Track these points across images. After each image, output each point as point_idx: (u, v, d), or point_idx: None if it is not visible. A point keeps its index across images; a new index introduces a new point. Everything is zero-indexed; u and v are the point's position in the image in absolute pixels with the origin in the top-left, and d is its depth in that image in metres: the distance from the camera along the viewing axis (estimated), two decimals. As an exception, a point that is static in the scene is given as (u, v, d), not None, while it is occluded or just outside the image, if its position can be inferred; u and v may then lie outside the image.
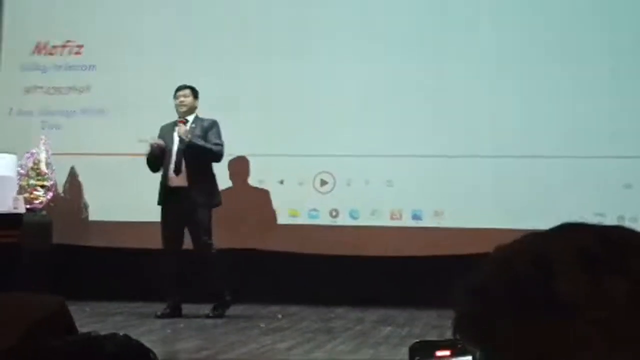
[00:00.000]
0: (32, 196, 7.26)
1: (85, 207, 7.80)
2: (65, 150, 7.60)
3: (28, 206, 7.17)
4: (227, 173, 7.33)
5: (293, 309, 6.77)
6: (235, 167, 7.47)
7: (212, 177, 6.57)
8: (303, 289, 7.03)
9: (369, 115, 7.44)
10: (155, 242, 6.92)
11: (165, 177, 6.50)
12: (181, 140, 6.47)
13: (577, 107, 7.20)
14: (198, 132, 6.53)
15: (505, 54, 7.36)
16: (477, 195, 7.19)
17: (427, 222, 7.37)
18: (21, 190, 7.24)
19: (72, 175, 7.81)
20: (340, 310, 6.75)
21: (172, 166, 6.47)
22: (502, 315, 0.69)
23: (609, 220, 0.83)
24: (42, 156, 7.36)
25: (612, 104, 7.16)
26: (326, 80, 7.51)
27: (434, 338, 0.97)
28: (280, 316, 6.48)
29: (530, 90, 7.29)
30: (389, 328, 5.93)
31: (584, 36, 7.29)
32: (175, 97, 6.66)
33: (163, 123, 7.47)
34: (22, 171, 7.30)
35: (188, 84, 6.73)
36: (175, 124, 6.60)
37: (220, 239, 6.59)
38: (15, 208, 7.01)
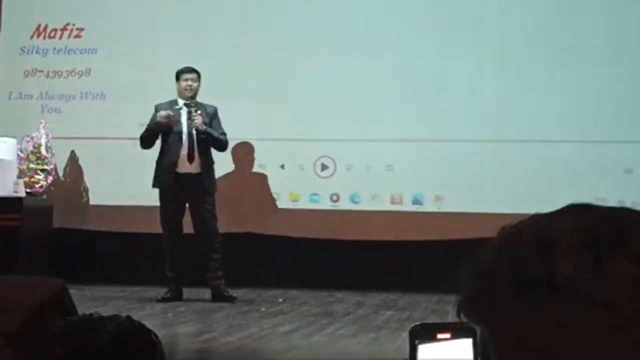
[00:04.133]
0: (32, 180, 7.26)
1: (86, 191, 7.80)
2: (65, 134, 7.59)
3: (28, 190, 7.17)
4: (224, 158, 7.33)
5: (294, 292, 6.79)
6: (237, 151, 7.47)
7: (213, 164, 6.59)
8: (304, 272, 7.04)
9: (369, 99, 7.43)
10: (156, 226, 6.93)
11: (172, 162, 6.41)
12: (190, 126, 6.41)
13: (578, 92, 7.18)
14: (205, 118, 6.47)
15: (507, 39, 7.34)
16: (478, 180, 7.19)
17: (428, 206, 7.37)
18: (21, 174, 7.23)
19: (72, 160, 7.81)
20: (340, 294, 6.77)
21: (183, 152, 6.41)
22: (505, 298, 0.69)
23: (610, 205, 0.83)
24: (42, 140, 7.35)
25: (613, 89, 7.15)
26: (327, 65, 7.48)
27: (434, 322, 0.98)
28: (281, 300, 6.49)
29: (532, 75, 7.27)
30: (389, 312, 5.95)
31: (586, 22, 7.27)
32: (182, 79, 6.54)
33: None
34: (22, 155, 7.29)
35: (193, 66, 6.61)
36: (176, 104, 6.50)
37: (221, 223, 6.60)
38: (15, 192, 7.01)
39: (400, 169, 7.40)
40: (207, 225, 6.42)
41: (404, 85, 7.38)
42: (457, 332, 0.94)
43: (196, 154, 6.41)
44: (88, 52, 7.88)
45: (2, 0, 8.08)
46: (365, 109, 7.41)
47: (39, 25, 8.00)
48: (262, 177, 7.59)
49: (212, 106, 6.57)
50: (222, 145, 6.58)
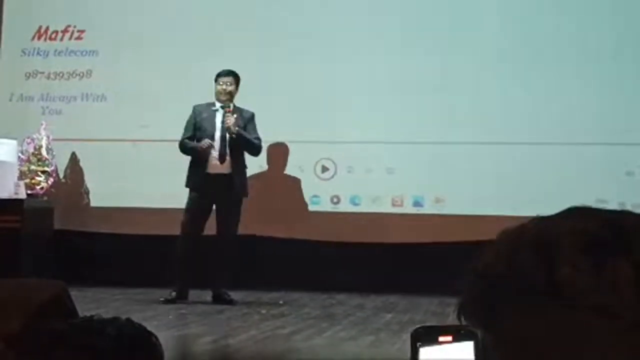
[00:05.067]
0: (33, 182, 7.26)
1: (86, 192, 7.81)
2: (66, 135, 7.59)
3: (29, 192, 7.17)
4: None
5: (294, 295, 6.78)
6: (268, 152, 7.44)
7: (246, 167, 6.58)
8: (304, 275, 7.04)
9: (370, 102, 7.42)
10: (157, 228, 6.93)
11: (204, 163, 6.42)
12: (224, 128, 6.42)
13: (580, 94, 7.18)
14: (240, 122, 6.49)
15: (508, 41, 7.34)
16: (478, 182, 7.19)
17: (428, 208, 7.37)
18: (22, 175, 7.23)
19: (73, 161, 7.81)
20: (341, 297, 6.77)
21: (215, 153, 6.42)
22: (505, 301, 0.69)
23: (611, 208, 0.83)
24: (43, 142, 7.35)
25: (614, 92, 7.14)
26: (327, 68, 7.48)
27: (435, 324, 0.98)
28: (281, 302, 6.49)
29: (533, 78, 7.27)
30: (389, 315, 5.94)
31: (588, 24, 7.27)
32: (219, 82, 6.57)
33: (164, 109, 7.47)
34: (23, 157, 7.30)
35: (231, 68, 6.63)
36: (213, 106, 6.53)
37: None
38: (16, 194, 7.01)
39: (400, 171, 7.40)
40: (230, 228, 6.42)
41: (404, 87, 7.38)
42: (459, 334, 0.93)
43: (228, 155, 6.41)
44: (89, 54, 7.88)
45: (3, 2, 8.09)
46: (365, 111, 7.40)
47: (40, 27, 8.00)
48: (264, 179, 7.58)
49: (249, 111, 6.60)
50: (254, 148, 6.57)
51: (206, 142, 6.41)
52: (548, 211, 0.74)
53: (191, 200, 6.49)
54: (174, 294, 6.32)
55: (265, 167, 7.49)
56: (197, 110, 6.58)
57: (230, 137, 6.41)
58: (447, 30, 7.42)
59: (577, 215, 0.71)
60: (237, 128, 6.41)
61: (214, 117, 6.51)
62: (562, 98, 7.20)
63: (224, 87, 6.54)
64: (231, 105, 6.53)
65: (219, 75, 6.60)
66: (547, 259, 0.67)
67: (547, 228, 0.70)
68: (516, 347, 0.69)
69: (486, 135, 7.25)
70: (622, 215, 0.71)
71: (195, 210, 6.44)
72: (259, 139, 6.58)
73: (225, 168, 6.42)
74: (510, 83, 7.30)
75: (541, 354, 0.67)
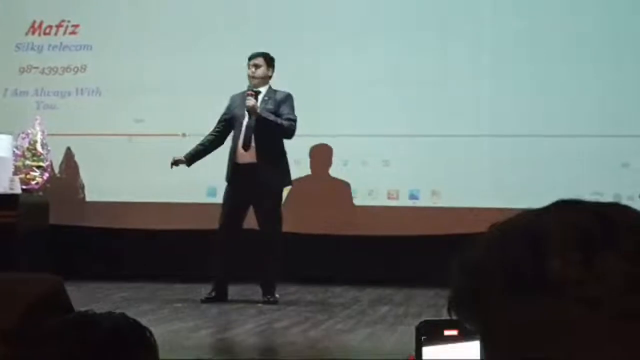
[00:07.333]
0: (28, 177, 7.25)
1: (82, 187, 7.80)
2: (61, 130, 7.58)
3: (24, 187, 7.16)
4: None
5: (290, 288, 6.78)
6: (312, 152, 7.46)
7: (283, 154, 6.14)
8: (300, 268, 7.04)
9: (365, 95, 7.42)
10: (152, 222, 6.93)
11: (233, 153, 6.08)
12: (250, 113, 6.04)
13: (574, 86, 7.19)
14: (271, 105, 6.07)
15: (503, 34, 7.34)
16: (474, 175, 7.20)
17: (424, 201, 7.38)
18: (17, 171, 7.22)
19: (68, 156, 7.80)
20: (337, 290, 6.77)
21: (241, 141, 6.05)
22: (495, 294, 0.69)
23: (606, 199, 0.84)
24: (38, 137, 7.34)
25: (609, 83, 7.15)
26: (323, 62, 7.47)
27: (430, 317, 0.97)
28: (277, 295, 6.49)
29: (528, 70, 7.27)
30: (386, 307, 5.95)
31: (582, 16, 7.27)
32: (248, 66, 6.21)
33: (159, 103, 7.46)
34: (17, 152, 7.28)
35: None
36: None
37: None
38: (11, 189, 7.00)
39: (396, 165, 7.40)
40: (264, 225, 6.04)
41: (400, 80, 7.37)
42: (465, 328, 0.93)
43: (252, 142, 6.01)
44: (83, 49, 7.86)
45: (-4, -3, 8.06)
46: (361, 104, 7.40)
47: (34, 22, 7.97)
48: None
49: (283, 92, 6.19)
50: (283, 130, 6.05)
51: (175, 157, 6.15)
52: (544, 204, 0.74)
53: (225, 194, 6.14)
54: (213, 293, 6.04)
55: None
56: (231, 100, 6.24)
57: (256, 122, 6.00)
58: (444, 23, 7.41)
59: (565, 208, 0.71)
60: (257, 110, 5.97)
61: (243, 103, 6.10)
62: (558, 90, 7.21)
63: (252, 69, 6.16)
64: (265, 88, 6.15)
65: (248, 59, 6.22)
66: (537, 251, 0.67)
67: (536, 221, 0.70)
68: (505, 339, 0.69)
69: (482, 128, 7.26)
70: (610, 208, 0.71)
71: (228, 205, 6.07)
72: (290, 119, 6.08)
73: (250, 157, 6.01)
74: (505, 76, 7.30)
75: (530, 346, 0.67)
